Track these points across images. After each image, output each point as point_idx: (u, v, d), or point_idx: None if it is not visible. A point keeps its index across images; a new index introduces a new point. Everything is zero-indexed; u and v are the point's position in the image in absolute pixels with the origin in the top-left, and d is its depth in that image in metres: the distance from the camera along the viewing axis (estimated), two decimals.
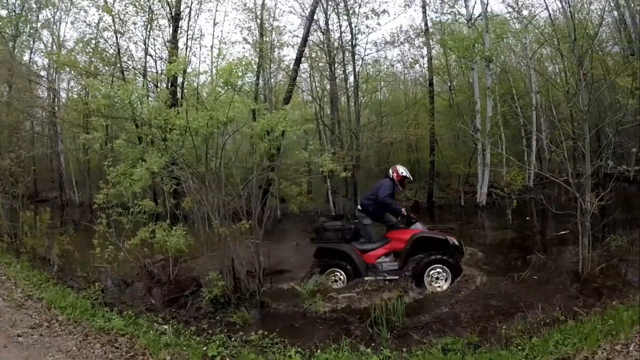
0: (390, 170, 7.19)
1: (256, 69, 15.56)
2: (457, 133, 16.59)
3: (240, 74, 5.72)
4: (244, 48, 21.64)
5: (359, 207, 7.19)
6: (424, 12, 15.98)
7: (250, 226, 6.46)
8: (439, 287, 6.26)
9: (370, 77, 15.75)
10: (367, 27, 15.05)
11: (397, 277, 6.40)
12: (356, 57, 15.18)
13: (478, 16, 14.59)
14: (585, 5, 16.48)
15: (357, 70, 15.20)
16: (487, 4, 14.29)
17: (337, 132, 15.16)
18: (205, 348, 4.49)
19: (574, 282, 5.95)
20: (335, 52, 15.23)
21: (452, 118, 16.24)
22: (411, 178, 7.36)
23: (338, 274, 6.60)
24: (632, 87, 10.76)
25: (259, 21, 16.29)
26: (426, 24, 16.12)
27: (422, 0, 15.85)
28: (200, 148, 6.33)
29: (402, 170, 7.13)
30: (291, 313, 5.79)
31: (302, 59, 14.67)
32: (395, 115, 17.29)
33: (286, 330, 5.15)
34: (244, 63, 5.81)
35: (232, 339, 4.88)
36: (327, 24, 15.20)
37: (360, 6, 14.90)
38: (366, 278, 6.47)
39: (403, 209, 6.87)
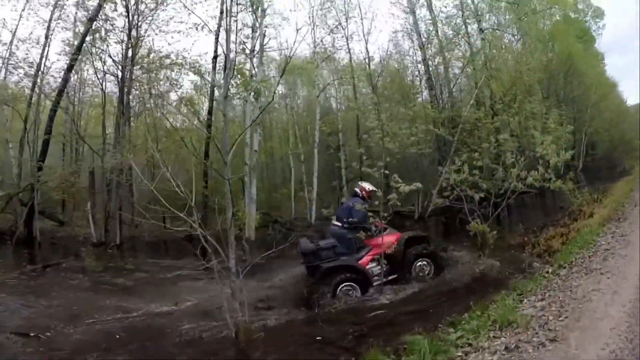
0: (358, 190, 7.56)
1: None
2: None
3: None
4: None
5: (336, 223, 7.42)
6: (216, 40, 14.59)
7: None
8: (427, 275, 7.17)
9: None
10: None
11: (396, 275, 7.08)
12: None
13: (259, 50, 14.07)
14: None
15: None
16: (265, 37, 14.18)
17: None
18: None
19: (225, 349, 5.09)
20: None
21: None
22: (377, 190, 7.44)
23: (350, 287, 6.76)
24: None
25: None
26: (215, 52, 14.69)
27: (216, 30, 14.51)
28: None
29: (367, 186, 7.56)
30: None
31: None
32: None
33: None
34: None
35: None
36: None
37: None
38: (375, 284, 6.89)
39: (373, 226, 7.28)
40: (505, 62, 20.19)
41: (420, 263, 7.21)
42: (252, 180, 13.31)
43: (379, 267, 7.05)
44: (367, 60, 17.88)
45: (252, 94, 13.83)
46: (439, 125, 16.70)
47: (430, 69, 18.40)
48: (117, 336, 5.59)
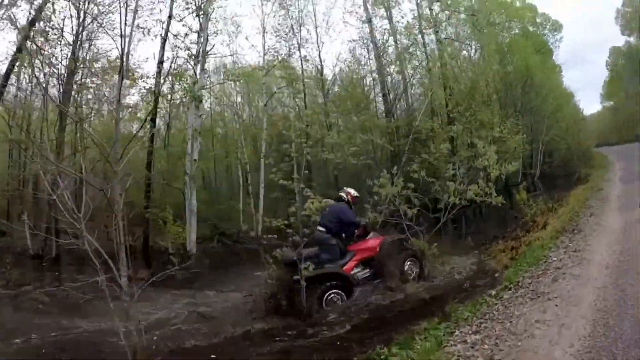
0: (344, 194, 7.22)
1: None
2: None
3: None
4: None
5: (321, 229, 6.82)
6: (163, 46, 13.51)
7: None
8: (414, 274, 6.92)
9: None
10: None
11: (379, 279, 6.68)
12: None
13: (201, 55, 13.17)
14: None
15: None
16: (207, 43, 13.35)
17: None
18: None
19: None
20: None
21: (167, 159, 13.96)
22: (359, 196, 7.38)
23: (336, 294, 6.37)
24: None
25: None
26: (161, 57, 13.51)
27: (163, 35, 13.48)
28: None
29: (353, 191, 7.28)
30: None
31: None
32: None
33: None
34: None
35: None
36: None
37: None
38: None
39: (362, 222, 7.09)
40: (462, 72, 19.85)
41: (408, 263, 7.05)
42: (192, 191, 12.21)
43: (364, 272, 6.82)
44: (319, 68, 17.16)
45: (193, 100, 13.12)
46: (393, 135, 16.04)
47: (389, 78, 17.89)
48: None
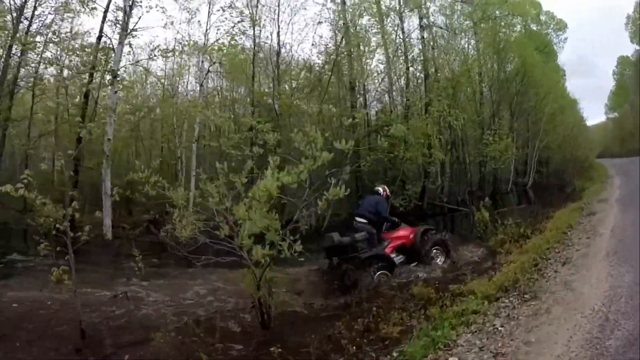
0: (381, 189, 7.57)
1: None
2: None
3: None
4: None
5: (361, 220, 7.16)
6: (103, 19, 11.64)
7: None
8: (440, 261, 7.18)
9: None
10: None
11: (416, 262, 7.00)
12: None
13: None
14: None
15: None
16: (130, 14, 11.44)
17: None
18: None
19: None
20: None
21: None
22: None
23: (383, 275, 6.59)
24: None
25: None
26: (100, 31, 11.79)
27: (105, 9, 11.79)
28: None
29: (387, 187, 7.74)
30: None
31: None
32: None
33: None
34: None
35: None
36: None
37: None
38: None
39: (395, 219, 7.43)
40: (448, 63, 16.87)
41: (435, 250, 7.30)
42: (106, 171, 10.88)
43: (399, 257, 7.08)
44: (277, 49, 14.29)
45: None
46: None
47: (361, 65, 15.03)
48: None
